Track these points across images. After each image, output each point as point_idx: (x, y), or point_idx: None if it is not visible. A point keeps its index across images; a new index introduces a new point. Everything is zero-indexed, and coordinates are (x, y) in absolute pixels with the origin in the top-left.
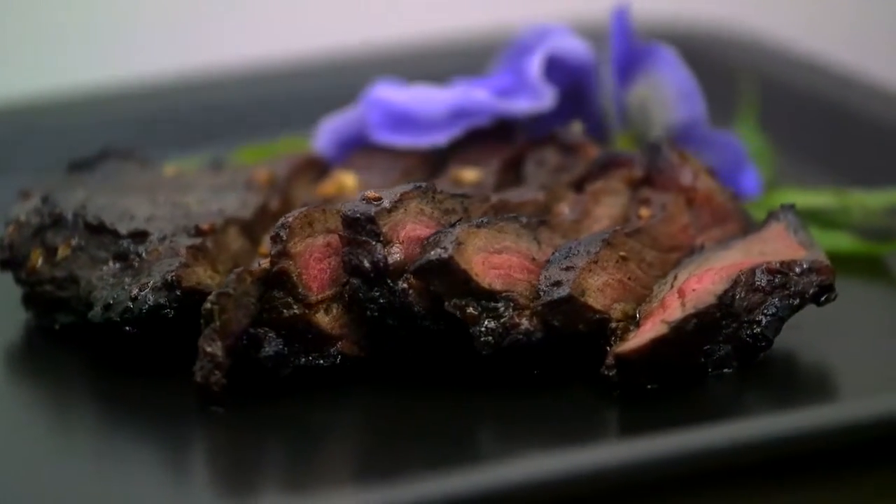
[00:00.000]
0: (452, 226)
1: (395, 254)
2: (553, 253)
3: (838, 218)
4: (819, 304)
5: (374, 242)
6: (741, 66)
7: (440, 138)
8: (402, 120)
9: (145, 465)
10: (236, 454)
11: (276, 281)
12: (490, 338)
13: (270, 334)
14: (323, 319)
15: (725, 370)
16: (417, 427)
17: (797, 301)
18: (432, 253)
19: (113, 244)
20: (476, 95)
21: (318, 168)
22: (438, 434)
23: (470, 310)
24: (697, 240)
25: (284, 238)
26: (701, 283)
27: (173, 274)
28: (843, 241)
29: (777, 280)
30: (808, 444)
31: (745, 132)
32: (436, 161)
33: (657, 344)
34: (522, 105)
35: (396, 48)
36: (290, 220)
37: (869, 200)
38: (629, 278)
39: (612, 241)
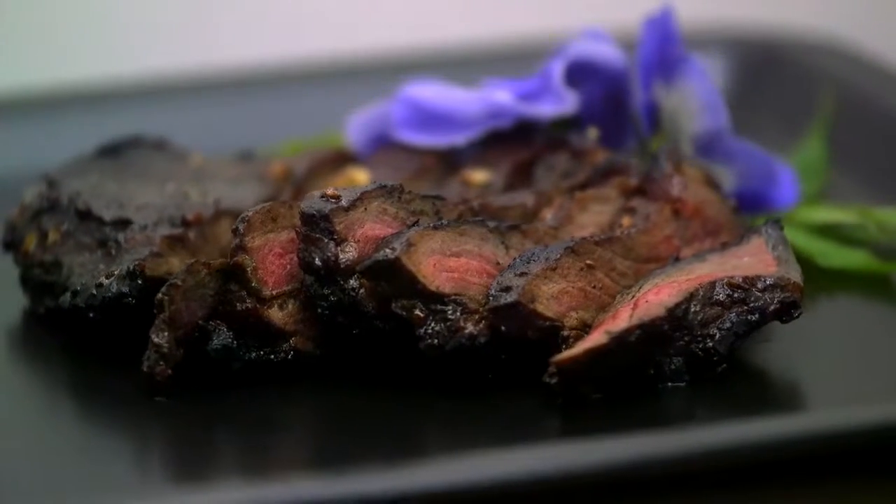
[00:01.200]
0: (410, 227)
1: (349, 252)
2: (515, 258)
3: (857, 234)
4: (782, 321)
5: (326, 240)
6: (823, 76)
7: (459, 139)
8: (424, 118)
9: (95, 452)
10: (187, 443)
11: (232, 274)
12: (435, 340)
13: (221, 327)
14: (276, 315)
15: (678, 383)
16: (363, 424)
17: (757, 317)
18: (380, 253)
19: (97, 231)
20: (498, 98)
21: (342, 163)
22: (383, 432)
23: (417, 311)
24: (683, 251)
25: (242, 232)
26: (658, 294)
27: (137, 263)
28: (855, 258)
29: (737, 295)
30: (747, 456)
31: (810, 143)
32: (454, 161)
33: (595, 353)
34: (545, 109)
35: (444, 53)
36: (250, 214)
37: (888, 218)
38: (594, 287)
39: (577, 248)
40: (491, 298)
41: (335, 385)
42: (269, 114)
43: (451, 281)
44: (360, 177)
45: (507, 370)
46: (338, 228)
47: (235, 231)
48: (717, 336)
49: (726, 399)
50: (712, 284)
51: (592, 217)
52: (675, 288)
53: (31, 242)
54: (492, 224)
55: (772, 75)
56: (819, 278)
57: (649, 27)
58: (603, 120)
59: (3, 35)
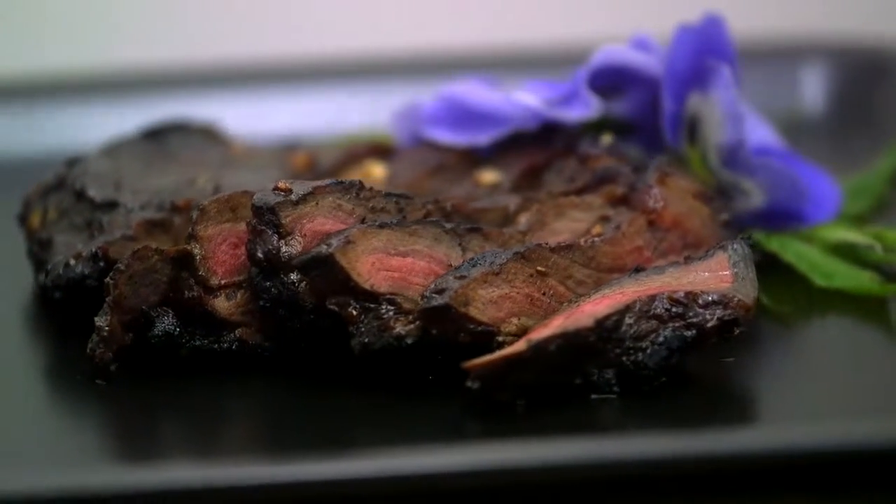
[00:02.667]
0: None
1: (293, 246)
2: (464, 261)
3: (870, 256)
4: (723, 338)
5: (270, 232)
6: None
7: (481, 139)
8: (455, 117)
9: (38, 431)
10: (127, 426)
11: (183, 262)
12: (366, 339)
13: (166, 314)
14: (222, 305)
15: (607, 395)
16: (297, 417)
17: (694, 333)
18: (315, 249)
19: (88, 211)
20: (525, 101)
21: (375, 156)
22: (314, 425)
23: (350, 309)
24: (657, 263)
25: (195, 220)
26: (597, 305)
27: (100, 245)
28: (855, 280)
29: (675, 310)
30: (651, 467)
31: (881, 161)
32: (476, 160)
33: (511, 361)
34: (571, 114)
35: (493, 55)
36: (206, 203)
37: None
38: (545, 294)
39: (527, 254)
40: (423, 300)
41: (279, 377)
42: (338, 105)
43: (390, 280)
44: (377, 171)
45: (449, 371)
46: (283, 221)
47: (190, 219)
48: (649, 350)
49: (660, 411)
50: (652, 298)
51: (569, 224)
52: (615, 299)
53: (35, 219)
54: (448, 225)
55: (877, 87)
56: (820, 298)
57: (683, 36)
58: (649, 126)
59: (83, 15)
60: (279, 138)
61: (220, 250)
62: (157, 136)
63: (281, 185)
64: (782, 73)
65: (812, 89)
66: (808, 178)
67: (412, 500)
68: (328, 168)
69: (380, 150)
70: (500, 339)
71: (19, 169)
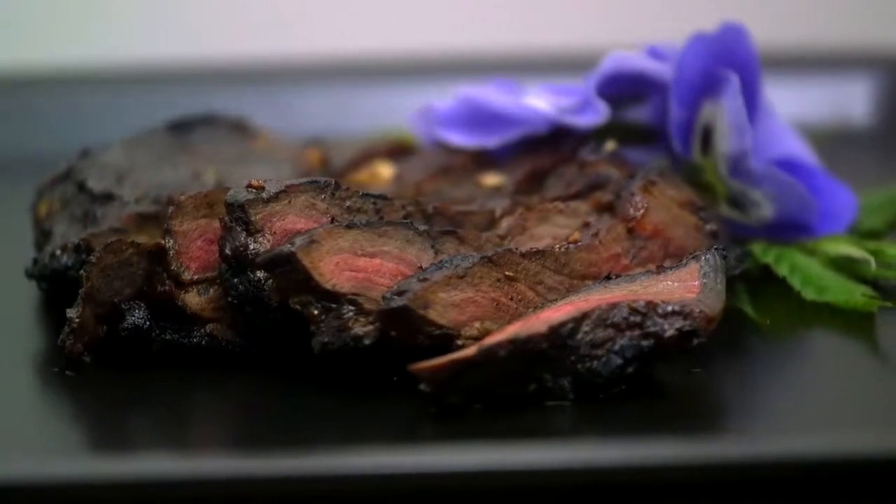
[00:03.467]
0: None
1: (261, 244)
2: (432, 264)
3: (864, 270)
4: (682, 349)
5: (239, 229)
6: None
7: (490, 142)
8: (467, 119)
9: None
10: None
11: (157, 257)
12: (324, 338)
13: (138, 307)
14: (193, 300)
15: (561, 402)
16: (257, 413)
17: (652, 342)
18: (279, 247)
19: (87, 203)
20: (534, 104)
21: (394, 155)
22: (273, 421)
23: (312, 308)
24: (634, 272)
25: (170, 215)
26: (556, 312)
27: (83, 237)
28: (845, 294)
29: (633, 319)
30: (596, 474)
31: None
32: (486, 163)
33: (459, 365)
34: (581, 119)
35: (519, 57)
36: (182, 198)
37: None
38: (511, 299)
39: (496, 259)
40: (384, 301)
41: (247, 373)
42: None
43: (354, 281)
44: (384, 171)
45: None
46: (253, 219)
47: (167, 214)
48: (604, 358)
49: (618, 419)
50: (612, 306)
51: (552, 230)
52: (577, 306)
53: (42, 209)
54: (422, 228)
55: None
56: (811, 311)
57: (694, 44)
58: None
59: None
60: (314, 135)
61: (195, 246)
62: (183, 129)
63: (254, 182)
64: (831, 83)
65: (861, 100)
66: (824, 191)
67: (355, 500)
68: (339, 166)
69: (397, 149)
70: (460, 342)
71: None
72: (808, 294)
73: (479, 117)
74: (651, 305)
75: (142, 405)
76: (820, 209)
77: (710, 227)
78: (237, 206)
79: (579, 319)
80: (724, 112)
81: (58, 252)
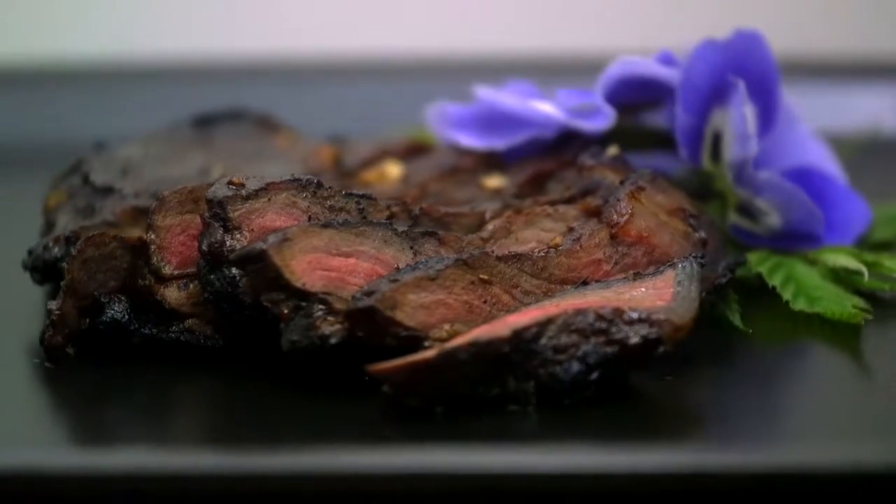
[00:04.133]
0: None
1: (238, 241)
2: (407, 265)
3: (859, 281)
4: (649, 356)
5: (217, 225)
6: None
7: (499, 144)
8: (478, 120)
9: None
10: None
11: (140, 251)
12: (293, 336)
13: (117, 301)
14: (172, 295)
15: (525, 406)
16: (228, 408)
17: (616, 349)
18: (251, 244)
19: (90, 196)
20: (542, 109)
21: (410, 154)
22: (241, 417)
23: (283, 307)
24: (615, 277)
25: (153, 210)
26: (523, 316)
27: (72, 230)
28: (834, 305)
29: (598, 325)
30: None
31: None
32: (496, 164)
33: (418, 366)
34: (589, 123)
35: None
36: (166, 193)
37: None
38: (485, 302)
39: (471, 261)
40: (352, 301)
41: (225, 370)
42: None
43: (326, 280)
44: (393, 171)
45: None
46: (231, 216)
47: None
48: (566, 364)
49: (584, 425)
50: (578, 312)
51: (538, 233)
52: (546, 311)
53: (52, 200)
54: (401, 229)
55: None
56: (803, 321)
57: (703, 50)
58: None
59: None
60: (336, 133)
61: (178, 241)
62: (207, 124)
63: (235, 179)
64: (864, 94)
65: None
66: (839, 202)
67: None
68: (351, 165)
69: (414, 149)
70: (428, 344)
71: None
72: (799, 304)
73: (489, 119)
74: (617, 312)
75: (118, 399)
76: (831, 220)
77: (699, 234)
78: (216, 202)
79: (544, 324)
80: (731, 120)
81: (50, 243)
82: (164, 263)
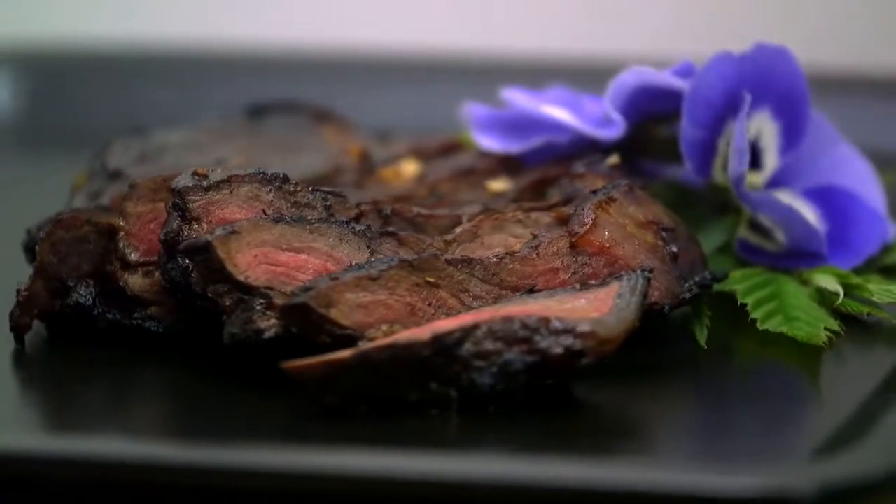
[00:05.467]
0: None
1: (196, 231)
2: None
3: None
4: (571, 367)
5: (175, 215)
6: None
7: (515, 147)
8: (497, 123)
9: None
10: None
11: (111, 236)
12: (233, 329)
13: (84, 285)
14: (136, 281)
15: (446, 412)
16: (168, 398)
17: (537, 358)
18: (197, 236)
19: (103, 180)
20: (557, 115)
21: (449, 152)
22: (172, 408)
23: (226, 298)
24: (564, 287)
25: (125, 196)
26: (451, 321)
27: (60, 212)
28: (809, 326)
29: (522, 333)
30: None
31: None
32: (515, 168)
33: (332, 366)
34: (600, 131)
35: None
36: (140, 180)
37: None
38: (430, 305)
39: (417, 264)
40: (290, 297)
41: (184, 358)
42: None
43: (271, 274)
44: (409, 169)
45: None
46: (190, 206)
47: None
48: (487, 371)
49: (501, 434)
50: (506, 319)
51: (506, 238)
52: (474, 316)
53: (78, 182)
54: (359, 227)
55: None
56: (772, 339)
57: (717, 63)
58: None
59: None
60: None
61: (148, 228)
62: (260, 114)
63: (199, 169)
64: None
65: None
66: (858, 222)
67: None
68: (377, 162)
69: (448, 148)
70: (361, 344)
71: None
72: (770, 324)
73: (510, 122)
74: (543, 321)
75: (81, 384)
76: (849, 240)
77: (669, 248)
78: (176, 192)
79: (469, 330)
80: (734, 136)
81: (39, 225)
82: (130, 250)
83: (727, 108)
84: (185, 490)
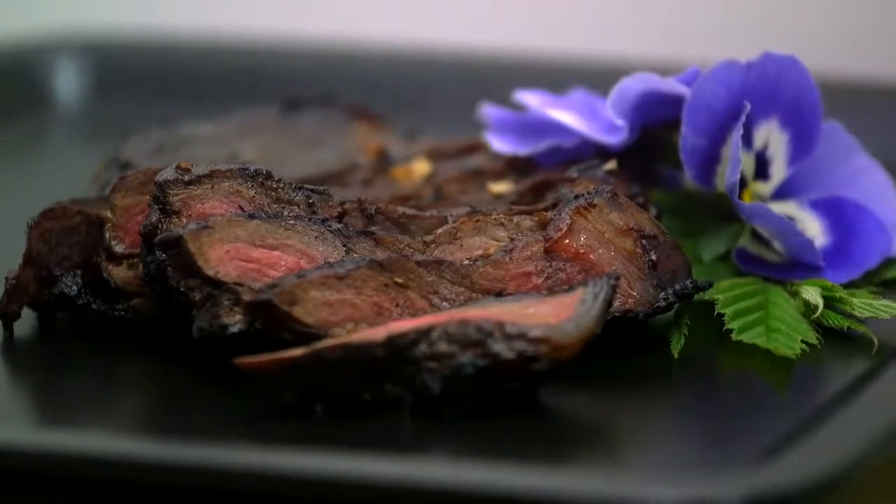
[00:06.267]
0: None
1: (176, 225)
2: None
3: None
4: (525, 372)
5: (156, 208)
6: None
7: (523, 149)
8: (508, 124)
9: None
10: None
11: (101, 227)
12: (201, 324)
13: (73, 275)
14: (120, 273)
15: (400, 412)
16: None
17: (489, 362)
18: (171, 230)
19: (115, 170)
20: (563, 119)
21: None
22: (149, 401)
23: (196, 293)
24: (532, 292)
25: (113, 188)
26: (409, 322)
27: (59, 201)
28: (786, 339)
29: (476, 337)
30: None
31: None
32: (523, 169)
33: (285, 364)
34: (605, 136)
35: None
36: (129, 173)
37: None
38: (397, 305)
39: (387, 264)
40: (256, 294)
41: (162, 350)
42: None
43: (241, 270)
44: (420, 168)
45: None
46: (170, 200)
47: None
48: (439, 373)
49: (449, 438)
50: (462, 322)
51: (486, 241)
52: (434, 318)
53: (98, 171)
54: (335, 226)
55: None
56: (749, 349)
57: (721, 71)
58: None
59: None
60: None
61: (135, 221)
62: (295, 108)
63: (182, 163)
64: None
65: None
66: (864, 235)
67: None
68: (392, 160)
69: (469, 149)
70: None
71: None
72: (746, 335)
73: (522, 125)
74: (498, 325)
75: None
76: (853, 253)
77: (649, 256)
78: (158, 185)
79: (424, 332)
80: (731, 144)
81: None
82: (116, 242)
83: (731, 117)
84: (157, 487)
